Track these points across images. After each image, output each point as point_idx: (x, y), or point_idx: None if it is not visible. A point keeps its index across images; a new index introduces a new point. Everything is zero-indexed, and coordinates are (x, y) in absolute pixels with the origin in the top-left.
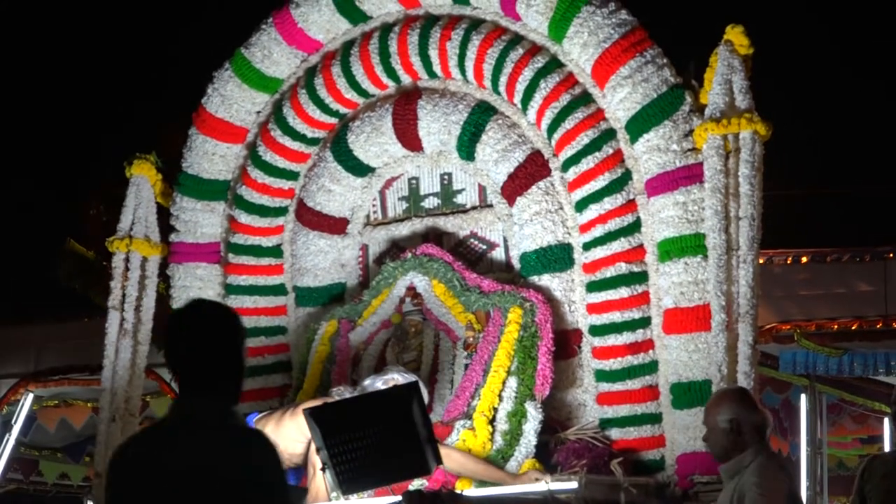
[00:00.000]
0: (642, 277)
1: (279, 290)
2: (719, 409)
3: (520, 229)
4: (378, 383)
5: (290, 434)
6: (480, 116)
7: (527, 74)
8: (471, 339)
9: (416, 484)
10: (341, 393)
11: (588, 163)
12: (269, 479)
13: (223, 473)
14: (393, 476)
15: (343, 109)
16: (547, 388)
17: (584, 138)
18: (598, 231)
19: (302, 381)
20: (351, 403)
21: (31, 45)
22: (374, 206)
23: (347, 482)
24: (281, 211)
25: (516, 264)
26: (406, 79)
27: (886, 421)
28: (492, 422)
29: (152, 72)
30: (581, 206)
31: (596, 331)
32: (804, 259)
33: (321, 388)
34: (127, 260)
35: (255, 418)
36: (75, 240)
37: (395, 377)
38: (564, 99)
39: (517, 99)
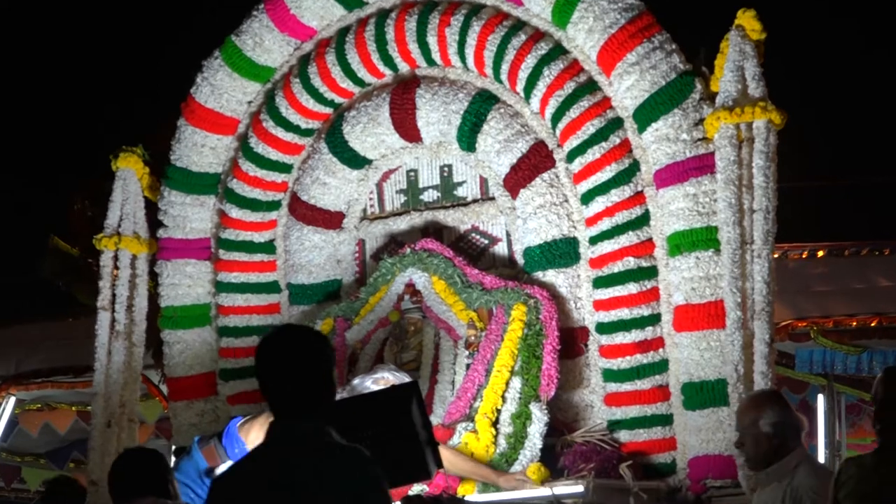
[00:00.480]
0: (651, 273)
1: (272, 287)
2: (761, 414)
3: (523, 223)
4: (368, 383)
5: None
6: (481, 105)
7: (530, 62)
8: (472, 337)
9: (416, 489)
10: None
11: (594, 153)
12: (373, 497)
13: (328, 493)
14: (391, 481)
15: (338, 99)
16: (552, 388)
17: (589, 128)
18: (604, 224)
19: None
20: (346, 405)
21: (13, 35)
22: (370, 199)
23: None
24: (274, 205)
25: (520, 259)
26: (404, 67)
27: None
28: (495, 424)
29: (141, 62)
30: (587, 198)
31: (603, 328)
32: (820, 253)
33: None
34: (115, 258)
35: (238, 422)
36: (59, 236)
37: (387, 376)
38: (569, 87)
39: (520, 87)
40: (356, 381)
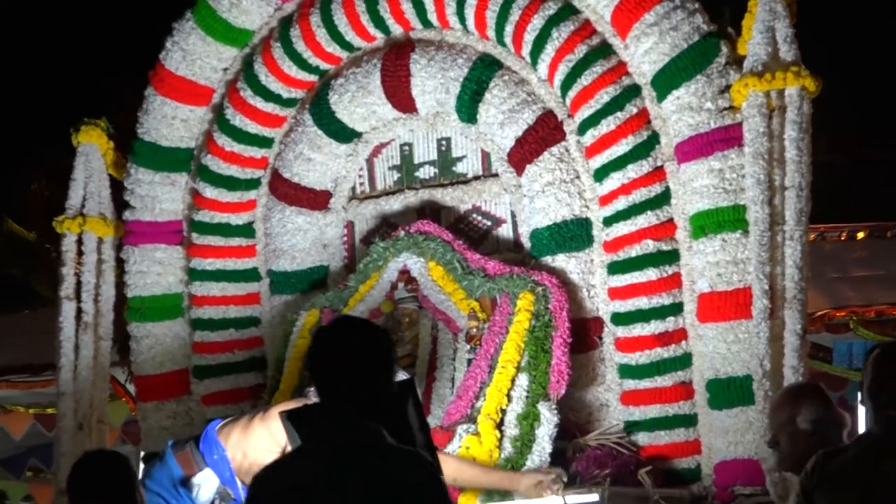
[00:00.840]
0: (672, 257)
1: (251, 275)
2: (799, 409)
3: (530, 202)
4: None
5: (261, 443)
6: (483, 72)
7: (536, 23)
8: (474, 330)
9: None
10: None
11: (608, 124)
12: (432, 501)
13: (385, 497)
14: None
15: (324, 65)
16: (563, 386)
17: (603, 96)
18: (620, 203)
19: (278, 381)
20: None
21: None
22: (360, 176)
23: None
24: (252, 183)
25: (526, 243)
26: (397, 29)
27: None
28: (499, 426)
29: (103, 25)
30: (601, 174)
31: (619, 319)
32: (860, 234)
33: (301, 388)
34: (80, 242)
35: (217, 425)
36: (13, 219)
37: None
38: (580, 51)
39: (526, 51)
40: None
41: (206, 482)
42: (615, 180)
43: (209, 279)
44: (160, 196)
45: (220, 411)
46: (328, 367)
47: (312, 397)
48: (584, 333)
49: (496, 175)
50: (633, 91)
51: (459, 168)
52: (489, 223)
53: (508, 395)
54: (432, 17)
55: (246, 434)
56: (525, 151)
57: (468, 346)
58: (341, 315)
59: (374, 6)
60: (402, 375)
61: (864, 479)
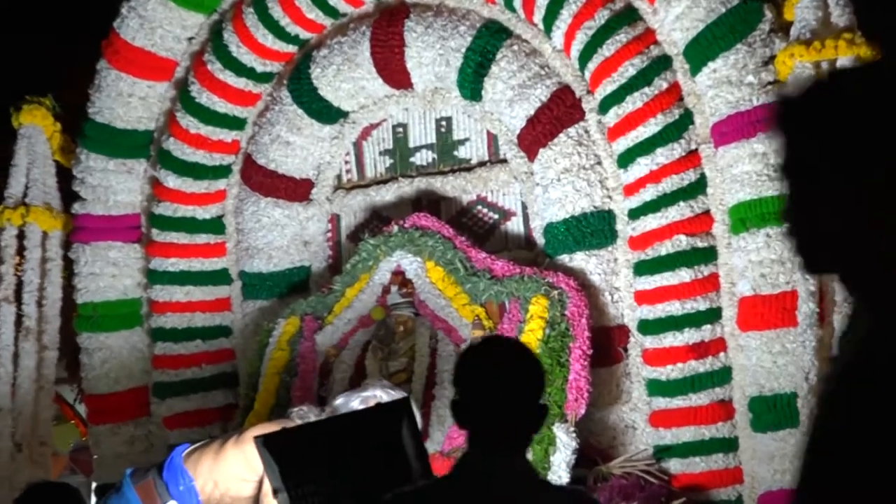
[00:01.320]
0: (709, 255)
1: (221, 277)
2: None
3: (544, 192)
4: (354, 402)
5: (234, 470)
6: (489, 41)
7: None
8: (479, 340)
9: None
10: (305, 415)
11: (634, 101)
12: None
13: None
14: None
15: (304, 34)
16: (582, 405)
17: (628, 69)
18: (648, 193)
19: (252, 400)
20: (318, 429)
21: None
22: (347, 163)
23: None
24: (222, 171)
25: (539, 239)
26: None
27: None
28: None
29: None
30: (626, 159)
31: (648, 327)
32: None
33: (278, 408)
34: (21, 236)
35: (184, 451)
36: None
37: (379, 395)
38: (601, 16)
39: (538, 17)
40: (339, 401)
41: None
42: (642, 166)
43: (172, 282)
44: (115, 186)
45: (185, 436)
46: (485, 394)
47: (297, 419)
48: (607, 344)
49: (504, 161)
50: (663, 63)
51: (461, 153)
52: (496, 216)
53: None
54: None
55: (217, 461)
56: (538, 133)
57: None
58: (492, 335)
59: None
60: (394, 394)
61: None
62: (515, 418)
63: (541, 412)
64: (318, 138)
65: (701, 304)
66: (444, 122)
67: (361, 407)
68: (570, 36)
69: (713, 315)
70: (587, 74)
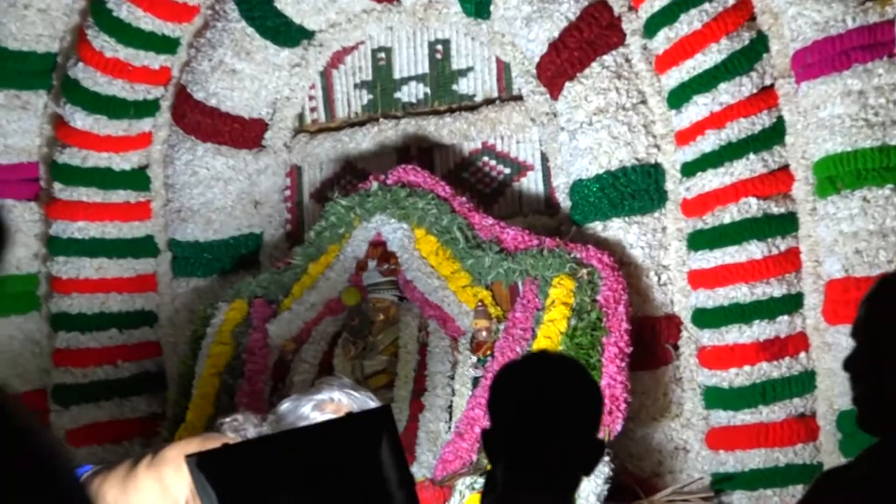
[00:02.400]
0: (787, 224)
1: (144, 246)
2: None
3: (570, 139)
4: (305, 410)
5: (149, 500)
6: None
7: None
8: (484, 333)
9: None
10: (241, 427)
11: (691, 21)
12: None
13: None
14: None
15: None
16: (619, 419)
17: None
18: (708, 142)
19: (184, 409)
20: (271, 446)
21: None
22: (311, 98)
23: None
24: (146, 108)
25: (564, 201)
26: None
27: None
28: None
29: None
30: (679, 97)
31: (706, 318)
32: None
33: (218, 417)
34: None
35: (86, 473)
36: None
37: (338, 399)
38: None
39: None
40: (285, 407)
41: None
42: (700, 107)
43: (80, 253)
44: (4, 126)
45: (94, 455)
46: (527, 424)
47: (227, 431)
48: (652, 340)
49: (519, 98)
50: None
51: (463, 87)
52: (508, 171)
53: None
54: None
55: (126, 488)
56: (563, 62)
57: (474, 359)
58: (540, 351)
59: None
60: (359, 397)
61: None
62: (563, 455)
63: (596, 449)
64: (274, 66)
65: (776, 289)
66: (439, 47)
67: (316, 415)
68: None
69: (791, 303)
70: None
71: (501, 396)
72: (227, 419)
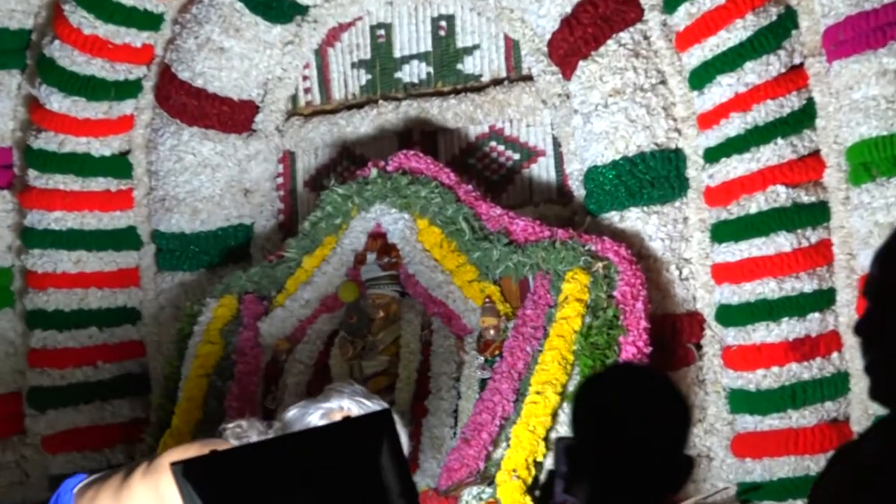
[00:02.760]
0: (818, 214)
1: (126, 238)
2: None
3: (585, 123)
4: (313, 418)
5: None
6: None
7: None
8: (492, 332)
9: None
10: (243, 434)
11: None
12: None
13: None
14: None
15: None
16: None
17: None
18: (733, 126)
19: (170, 413)
20: (261, 453)
21: None
22: (306, 79)
23: None
24: (128, 89)
25: (577, 190)
26: None
27: None
28: (532, 489)
29: None
30: (701, 78)
31: (731, 316)
32: None
33: (206, 424)
34: None
35: (76, 485)
36: None
37: (348, 407)
38: None
39: None
40: (291, 415)
41: None
42: (724, 88)
43: (57, 245)
44: None
45: (74, 463)
46: (612, 439)
47: (230, 439)
48: (673, 339)
49: (529, 78)
50: None
51: (468, 66)
52: (517, 157)
53: (547, 440)
54: None
55: (120, 498)
56: (576, 39)
57: (482, 359)
58: (624, 364)
59: None
60: (371, 406)
61: None
62: (650, 472)
63: (684, 465)
64: (265, 44)
65: (806, 284)
66: (443, 23)
67: (324, 423)
68: None
69: (823, 299)
70: None
71: (587, 410)
72: (231, 425)
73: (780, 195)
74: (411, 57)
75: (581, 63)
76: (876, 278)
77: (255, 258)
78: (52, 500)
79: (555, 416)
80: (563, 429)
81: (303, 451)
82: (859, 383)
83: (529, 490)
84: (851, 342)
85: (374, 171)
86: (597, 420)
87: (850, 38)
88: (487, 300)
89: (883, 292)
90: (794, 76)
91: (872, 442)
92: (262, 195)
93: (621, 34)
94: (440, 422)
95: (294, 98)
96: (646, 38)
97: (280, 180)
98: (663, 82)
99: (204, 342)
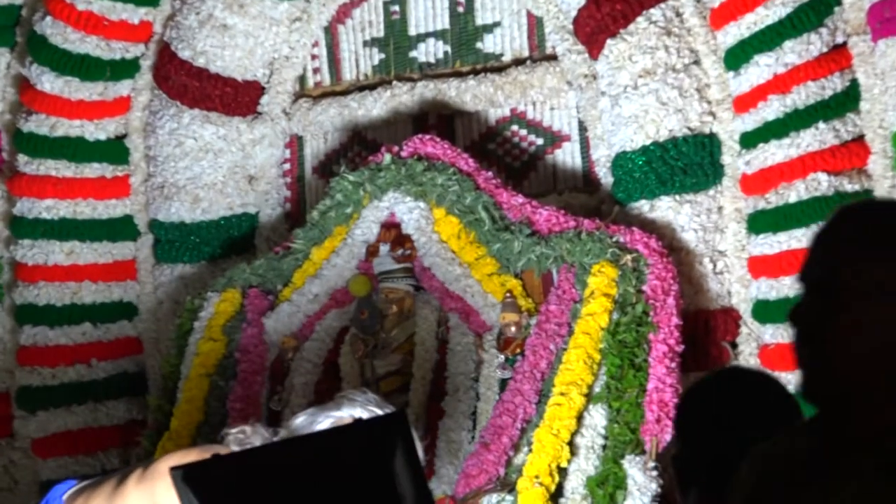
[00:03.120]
0: None
1: (122, 228)
2: None
3: (613, 106)
4: (321, 425)
5: None
6: None
7: None
8: (512, 328)
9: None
10: (246, 440)
11: None
12: None
13: None
14: None
15: None
16: (668, 428)
17: None
18: (771, 109)
19: (168, 415)
20: (265, 458)
21: None
22: (315, 58)
23: None
24: (125, 68)
25: (605, 177)
26: None
27: None
28: (556, 497)
29: None
30: (737, 57)
31: (769, 312)
32: None
33: (207, 427)
34: None
35: (66, 491)
36: None
37: (360, 415)
38: None
39: None
40: (299, 422)
41: None
42: (762, 68)
43: (48, 235)
44: None
45: (66, 468)
46: (724, 448)
47: (232, 445)
48: (706, 337)
49: (553, 57)
50: None
51: (488, 45)
52: (540, 142)
53: (572, 444)
54: None
55: None
56: (604, 16)
57: (501, 358)
58: (731, 368)
59: None
60: (376, 409)
61: None
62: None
63: None
64: (272, 20)
65: None
66: None
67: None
68: None
69: None
70: None
71: (695, 418)
72: (233, 430)
73: (821, 183)
74: (427, 35)
75: (609, 41)
76: (817, 262)
77: (259, 249)
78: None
79: (580, 418)
80: (588, 432)
81: (311, 456)
82: None
83: (553, 497)
84: None
85: (387, 157)
86: (706, 429)
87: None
88: (508, 295)
89: (825, 279)
90: (837, 56)
91: (793, 442)
92: (268, 182)
93: (652, 10)
94: (457, 425)
95: (302, 79)
96: (678, 14)
97: (287, 166)
98: (697, 62)
99: (205, 339)
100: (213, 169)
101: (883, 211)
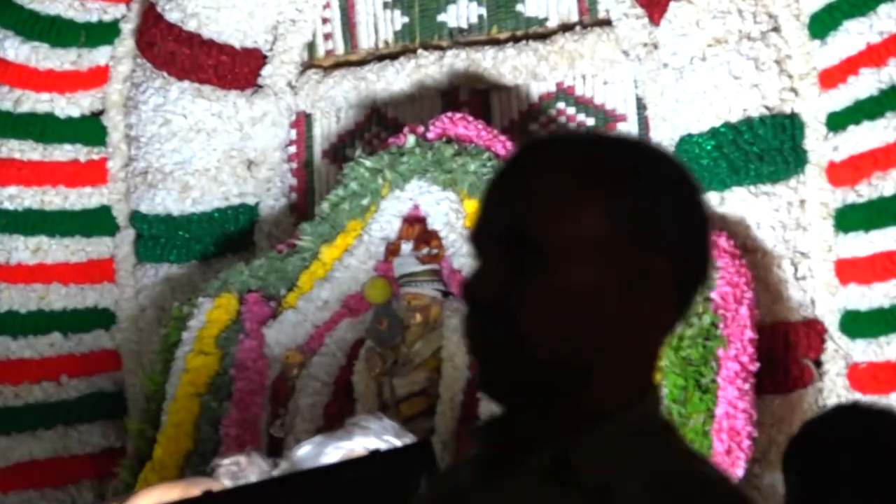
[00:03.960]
0: None
1: (98, 221)
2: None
3: (677, 80)
4: (329, 459)
5: None
6: None
7: None
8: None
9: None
10: (240, 473)
11: None
12: None
13: None
14: None
15: None
16: (741, 459)
17: None
18: (863, 85)
19: (151, 440)
20: (267, 495)
21: None
22: (326, 21)
23: None
24: (102, 32)
25: None
26: None
27: None
28: None
29: None
30: (824, 24)
31: (859, 325)
32: None
33: (197, 457)
34: None
35: None
36: None
37: (372, 445)
38: None
39: None
40: (303, 453)
41: None
42: (854, 37)
43: (10, 229)
44: None
45: (31, 502)
46: (846, 487)
47: (223, 479)
48: (786, 354)
49: (607, 22)
50: None
51: (531, 7)
52: (591, 122)
53: None
54: None
55: None
56: None
57: None
58: (849, 404)
59: None
60: (393, 438)
61: None
62: None
63: None
64: None
65: None
66: None
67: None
68: None
69: None
70: None
71: (811, 451)
72: (227, 461)
73: None
74: None
75: (673, 4)
76: (496, 216)
77: (259, 247)
78: None
79: None
80: None
81: (315, 494)
82: None
83: None
84: None
85: (410, 139)
86: (823, 465)
87: None
88: None
89: (509, 237)
90: None
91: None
92: (270, 168)
93: None
94: None
95: (311, 46)
96: None
97: (292, 150)
98: (776, 29)
99: (195, 353)
100: (206, 152)
101: (575, 143)
